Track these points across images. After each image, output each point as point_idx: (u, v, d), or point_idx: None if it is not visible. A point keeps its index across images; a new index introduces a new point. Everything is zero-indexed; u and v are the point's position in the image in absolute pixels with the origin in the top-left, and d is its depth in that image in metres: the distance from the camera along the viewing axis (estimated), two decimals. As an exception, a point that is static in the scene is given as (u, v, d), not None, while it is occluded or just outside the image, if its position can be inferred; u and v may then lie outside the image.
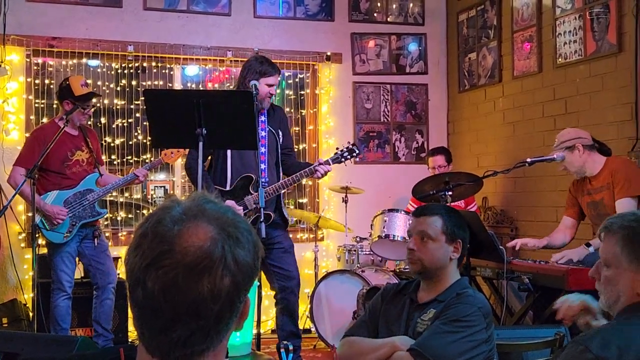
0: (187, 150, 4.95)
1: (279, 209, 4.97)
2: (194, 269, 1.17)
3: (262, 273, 4.90)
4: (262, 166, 4.81)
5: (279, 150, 4.98)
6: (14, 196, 5.03)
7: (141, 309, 1.20)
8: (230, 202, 4.74)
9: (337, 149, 5.05)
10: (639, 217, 2.08)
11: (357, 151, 4.97)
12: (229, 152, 4.83)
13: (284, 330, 4.89)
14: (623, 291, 2.05)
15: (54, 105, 6.40)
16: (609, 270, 2.09)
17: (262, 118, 4.90)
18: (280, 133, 5.00)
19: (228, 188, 4.82)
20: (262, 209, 4.17)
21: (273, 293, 4.97)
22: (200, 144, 3.95)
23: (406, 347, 2.68)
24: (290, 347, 2.63)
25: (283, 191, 4.95)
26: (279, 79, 5.00)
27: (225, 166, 4.85)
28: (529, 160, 4.85)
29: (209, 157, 4.98)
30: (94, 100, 5.47)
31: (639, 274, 2.02)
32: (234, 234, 1.22)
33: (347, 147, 4.96)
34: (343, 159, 4.93)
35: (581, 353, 1.86)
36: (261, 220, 4.11)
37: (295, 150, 6.86)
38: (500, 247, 4.38)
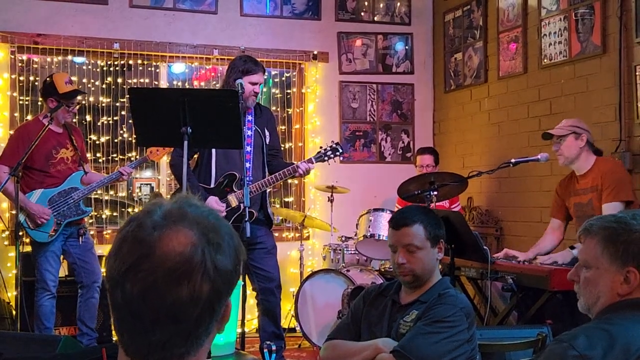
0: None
1: (263, 208, 4.97)
2: (173, 274, 1.17)
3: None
4: (247, 165, 4.81)
5: (265, 151, 4.99)
6: (-4, 195, 5.01)
7: (120, 312, 1.20)
8: (212, 198, 4.75)
9: (320, 147, 5.07)
10: (619, 219, 2.09)
11: (341, 150, 4.99)
12: (214, 150, 4.83)
13: (266, 331, 4.91)
14: (603, 292, 2.06)
15: (39, 102, 6.36)
16: (588, 272, 2.09)
17: (249, 117, 4.91)
18: (267, 133, 5.00)
19: (212, 185, 4.83)
20: (247, 208, 4.17)
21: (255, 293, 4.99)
22: (186, 142, 3.96)
23: (389, 349, 2.69)
24: (273, 348, 2.63)
25: (267, 189, 4.96)
26: (263, 77, 5.00)
27: (209, 164, 4.85)
28: (513, 160, 4.87)
29: (195, 155, 4.99)
30: (79, 97, 5.44)
31: (619, 275, 2.03)
32: (215, 240, 1.22)
33: (330, 146, 4.97)
34: (326, 158, 4.95)
35: (565, 350, 1.86)
36: (246, 219, 4.10)
37: (282, 148, 6.91)
38: (485, 247, 4.39)
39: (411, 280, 2.89)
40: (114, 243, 1.23)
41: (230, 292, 1.25)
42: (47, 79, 5.35)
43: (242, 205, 4.65)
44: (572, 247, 4.54)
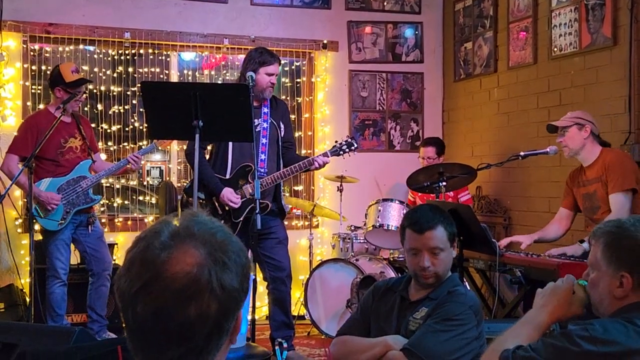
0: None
1: (277, 200, 5.03)
2: (181, 295, 1.20)
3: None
4: (262, 157, 4.90)
5: (280, 143, 5.04)
6: (10, 186, 5.06)
7: (133, 331, 1.24)
8: (227, 189, 4.80)
9: (336, 141, 5.10)
10: (621, 224, 2.18)
11: (356, 145, 5.03)
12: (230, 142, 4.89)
13: (275, 320, 4.97)
14: (603, 294, 2.16)
15: (51, 92, 6.40)
16: (593, 274, 2.21)
17: (265, 110, 4.96)
18: (282, 126, 5.06)
19: (228, 176, 4.89)
20: (257, 200, 4.22)
21: (266, 283, 5.05)
22: (197, 135, 4.01)
23: (399, 347, 2.73)
24: (285, 345, 2.68)
25: (281, 181, 5.01)
26: (279, 68, 5.04)
27: (226, 155, 4.92)
28: (522, 153, 4.90)
29: (210, 146, 5.04)
30: (90, 86, 5.47)
31: (615, 279, 2.13)
32: (221, 259, 1.25)
33: (346, 141, 5.02)
34: (342, 152, 5.00)
35: (578, 330, 1.99)
36: (257, 212, 4.15)
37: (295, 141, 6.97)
38: (493, 240, 4.42)
39: (434, 281, 2.92)
40: (124, 263, 1.27)
41: (239, 309, 1.28)
42: (54, 69, 5.41)
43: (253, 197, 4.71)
44: (581, 241, 4.57)
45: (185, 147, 5.29)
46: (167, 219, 1.30)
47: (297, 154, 5.27)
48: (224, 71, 7.20)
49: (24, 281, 6.01)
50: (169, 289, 1.20)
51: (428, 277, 2.91)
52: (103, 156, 6.28)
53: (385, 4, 7.47)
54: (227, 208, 4.85)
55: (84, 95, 5.52)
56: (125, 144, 6.83)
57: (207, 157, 5.09)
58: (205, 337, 1.23)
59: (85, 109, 6.45)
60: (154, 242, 1.25)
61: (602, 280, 2.15)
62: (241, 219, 4.82)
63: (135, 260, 1.24)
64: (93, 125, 6.06)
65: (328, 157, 4.96)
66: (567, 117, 4.81)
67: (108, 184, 6.72)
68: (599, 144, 4.77)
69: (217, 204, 4.87)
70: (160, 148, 5.77)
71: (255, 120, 4.83)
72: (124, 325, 1.28)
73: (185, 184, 5.82)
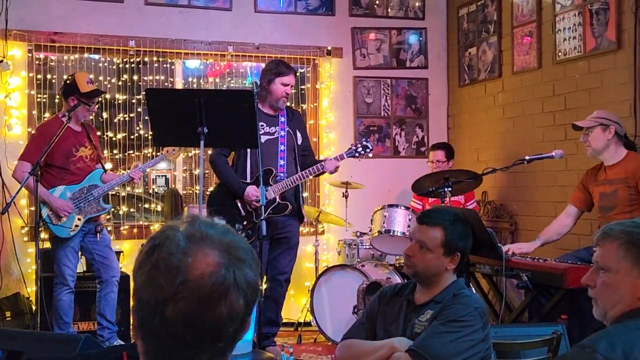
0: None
1: (297, 201, 5.25)
2: (211, 297, 1.22)
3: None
4: (282, 162, 5.18)
5: (297, 151, 5.29)
6: (17, 192, 5.06)
7: (160, 337, 1.23)
8: (251, 187, 5.06)
9: (351, 145, 5.39)
10: (638, 223, 2.11)
11: (370, 147, 5.33)
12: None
13: (265, 316, 5.13)
14: (623, 296, 2.05)
15: (56, 100, 6.43)
16: (607, 276, 2.09)
17: (282, 119, 5.23)
18: (299, 135, 5.33)
19: (249, 180, 5.13)
20: (262, 207, 4.28)
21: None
22: (202, 142, 4.02)
23: (404, 348, 2.71)
24: (291, 350, 2.68)
25: (296, 184, 5.24)
26: (294, 79, 5.27)
27: (245, 160, 5.15)
28: (527, 158, 4.89)
29: (232, 152, 5.28)
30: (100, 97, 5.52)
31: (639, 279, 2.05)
32: (239, 256, 1.27)
33: (362, 144, 5.32)
34: (357, 154, 5.30)
35: (590, 355, 1.89)
36: (262, 217, 4.20)
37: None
38: (499, 245, 4.41)
39: (412, 273, 2.95)
40: (142, 273, 1.25)
41: (255, 304, 1.30)
42: (69, 77, 5.42)
43: (277, 198, 5.07)
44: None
45: (208, 155, 5.52)
46: (173, 224, 1.30)
47: (315, 160, 5.51)
48: (229, 78, 7.22)
49: (30, 289, 6.02)
50: (198, 292, 1.21)
51: (407, 265, 2.95)
52: (108, 165, 6.30)
53: (389, 10, 7.48)
54: (249, 209, 5.07)
55: (96, 106, 5.57)
56: (131, 151, 6.85)
57: (230, 163, 5.30)
58: (232, 335, 1.26)
59: (91, 117, 6.45)
60: (171, 248, 1.25)
61: (623, 281, 2.05)
62: (262, 218, 4.97)
63: (157, 268, 1.24)
64: (98, 133, 6.08)
65: (344, 158, 5.26)
66: (592, 116, 4.83)
67: (114, 192, 6.73)
68: (623, 144, 4.78)
69: (240, 205, 5.11)
70: (169, 159, 5.79)
71: (273, 128, 5.17)
72: (144, 333, 1.25)
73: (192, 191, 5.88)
